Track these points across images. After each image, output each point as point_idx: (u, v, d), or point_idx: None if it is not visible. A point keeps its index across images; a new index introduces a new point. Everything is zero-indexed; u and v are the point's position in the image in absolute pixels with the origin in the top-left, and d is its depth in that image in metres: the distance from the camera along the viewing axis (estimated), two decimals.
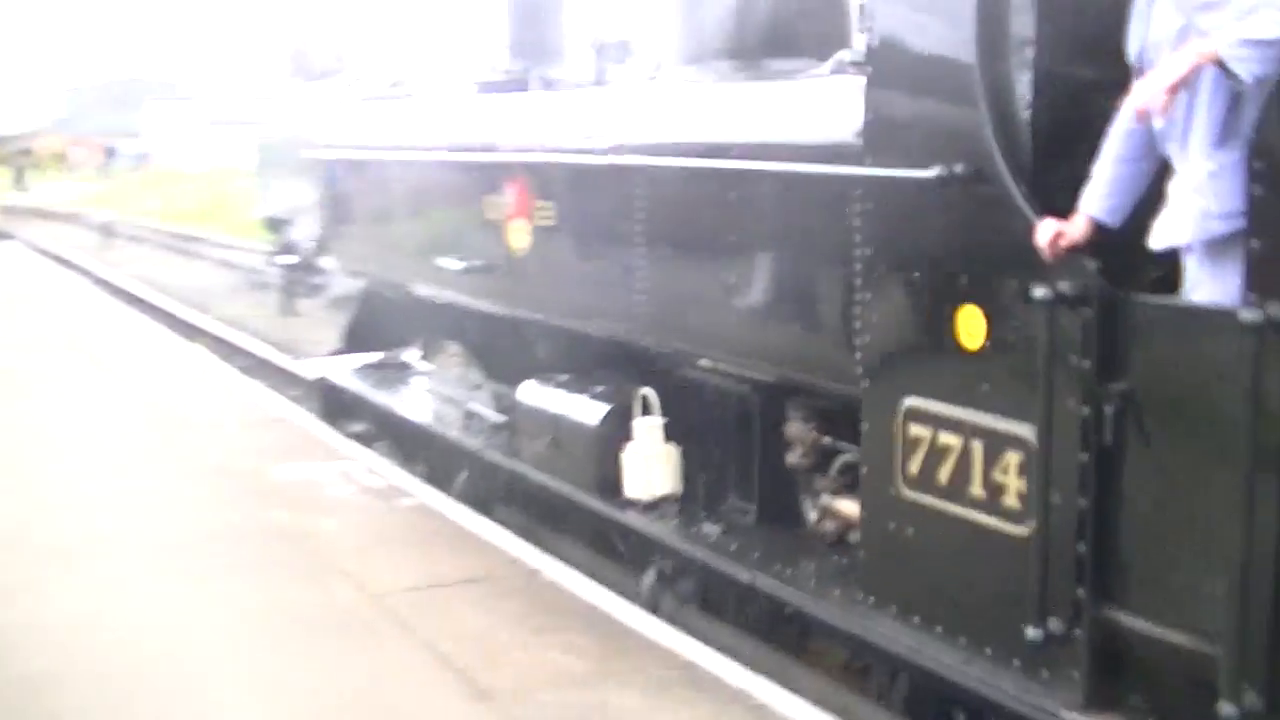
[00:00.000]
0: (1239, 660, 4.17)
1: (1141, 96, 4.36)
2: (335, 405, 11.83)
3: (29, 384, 13.45)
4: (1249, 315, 4.03)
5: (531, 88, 9.02)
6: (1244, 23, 4.12)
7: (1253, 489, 4.10)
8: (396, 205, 10.43)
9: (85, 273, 29.27)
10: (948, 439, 5.27)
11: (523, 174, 8.49)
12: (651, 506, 7.52)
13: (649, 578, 7.41)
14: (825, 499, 6.65)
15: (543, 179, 8.31)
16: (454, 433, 9.77)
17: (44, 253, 33.21)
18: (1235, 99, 4.31)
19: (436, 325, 10.80)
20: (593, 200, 7.87)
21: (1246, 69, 4.10)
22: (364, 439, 11.10)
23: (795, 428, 6.80)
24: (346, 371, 11.79)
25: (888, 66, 5.45)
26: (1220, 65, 4.18)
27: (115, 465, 10.14)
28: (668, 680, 6.23)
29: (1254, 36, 4.08)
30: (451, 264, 9.23)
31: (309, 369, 13.27)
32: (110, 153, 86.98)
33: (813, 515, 6.83)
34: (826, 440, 6.66)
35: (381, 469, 9.99)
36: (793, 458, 6.84)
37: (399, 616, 7.03)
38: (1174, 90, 4.25)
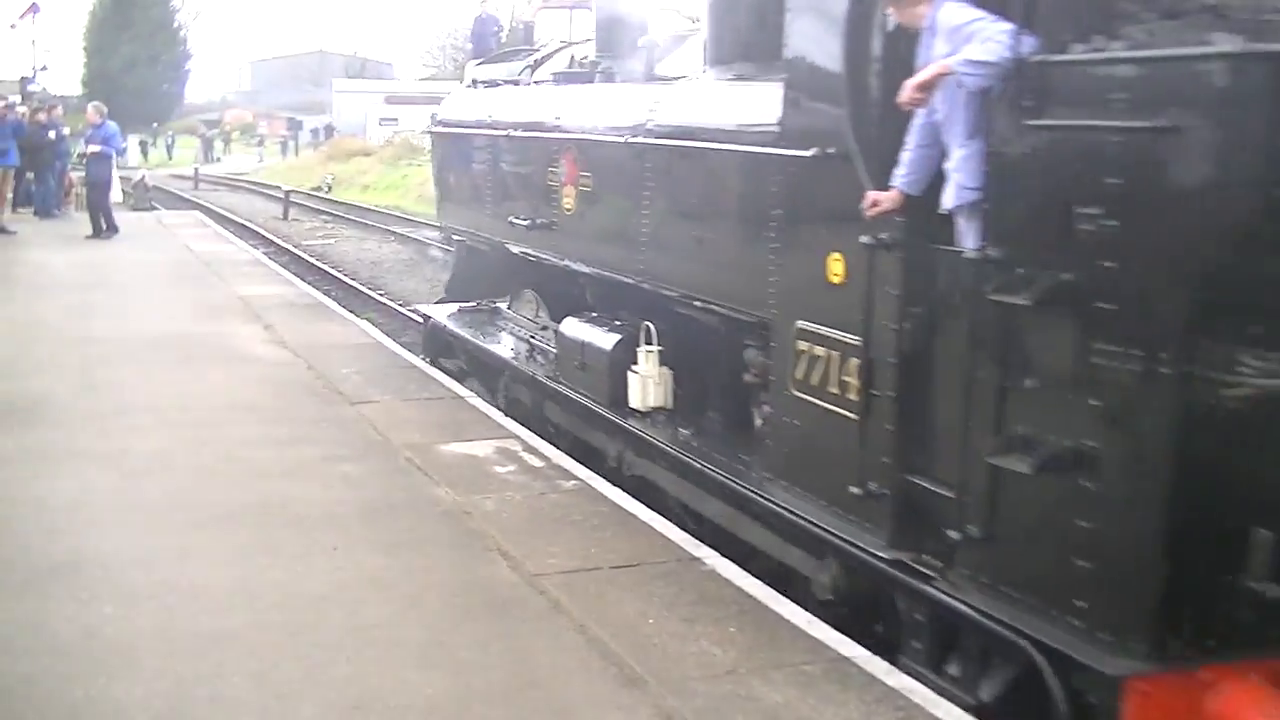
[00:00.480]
0: (962, 502, 6.11)
1: (902, 94, 6.11)
2: (439, 345, 14.03)
3: (207, 351, 13.81)
4: (973, 254, 5.97)
5: (595, 80, 11.18)
6: (971, 47, 5.75)
7: (972, 375, 6.00)
8: (483, 174, 12.81)
9: (266, 242, 30.05)
10: (819, 350, 7.20)
11: (571, 149, 10.65)
12: (647, 415, 9.40)
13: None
14: (765, 408, 8.11)
15: (583, 153, 10.47)
16: (520, 362, 11.74)
17: (228, 222, 34.14)
18: (981, 103, 5.91)
19: (516, 275, 12.83)
20: (611, 171, 10.03)
21: (971, 81, 5.81)
22: (458, 375, 13.12)
23: (750, 354, 8.40)
24: (447, 316, 13.82)
25: (795, 75, 7.36)
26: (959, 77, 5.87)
27: (283, 436, 10.34)
28: (816, 675, 6.18)
29: (974, 58, 5.73)
30: (522, 222, 11.50)
31: (420, 314, 15.42)
32: (295, 126, 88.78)
33: (758, 421, 8.34)
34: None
35: (543, 449, 10.04)
36: (748, 377, 8.46)
37: (553, 599, 7.05)
38: (920, 89, 6.03)
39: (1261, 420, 5.10)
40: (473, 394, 11.97)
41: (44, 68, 60.74)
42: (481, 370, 12.91)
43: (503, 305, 13.35)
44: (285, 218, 38.03)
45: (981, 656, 6.18)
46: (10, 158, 26.25)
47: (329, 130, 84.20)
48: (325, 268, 25.33)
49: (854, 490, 6.77)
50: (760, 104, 7.82)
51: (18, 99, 37.87)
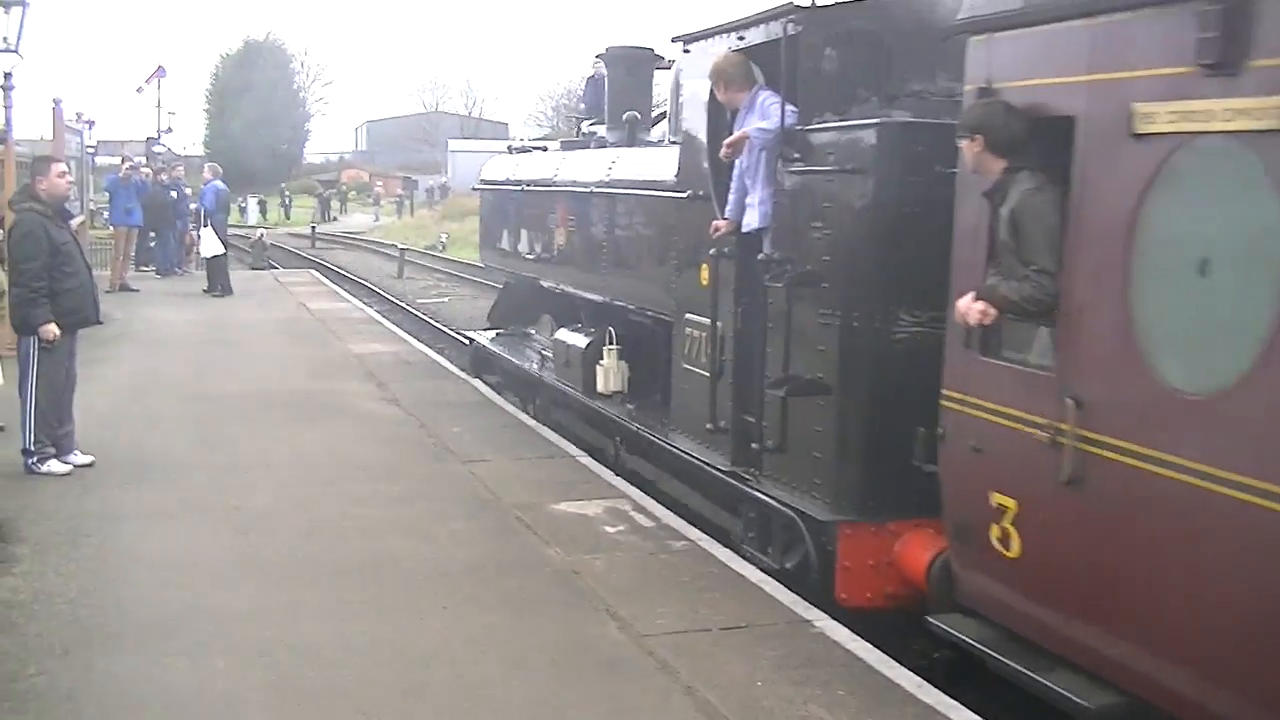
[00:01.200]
0: (761, 426, 8.90)
1: (721, 151, 9.03)
2: (481, 363, 16.89)
3: (321, 408, 13.98)
4: (763, 257, 8.69)
5: (590, 146, 14.43)
6: (757, 119, 8.74)
7: (763, 338, 8.91)
8: (511, 221, 15.99)
9: (380, 299, 30.38)
10: (695, 333, 10.00)
11: (561, 198, 13.87)
12: (609, 398, 12.04)
13: (615, 444, 12.13)
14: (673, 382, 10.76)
15: (567, 201, 13.67)
16: (535, 371, 14.44)
17: (344, 280, 34.58)
18: (768, 157, 8.70)
19: (537, 303, 15.59)
20: (583, 215, 13.15)
21: (758, 142, 8.66)
22: (498, 388, 15.82)
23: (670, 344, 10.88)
24: (488, 340, 16.63)
25: (683, 143, 10.57)
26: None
27: (395, 494, 10.41)
28: None
29: (760, 127, 8.61)
30: (530, 257, 15.04)
31: (467, 338, 18.96)
32: (410, 185, 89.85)
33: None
34: None
35: (654, 509, 10.00)
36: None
37: (661, 659, 6.99)
38: (729, 147, 8.87)
39: (917, 354, 7.60)
40: (583, 454, 11.99)
41: (168, 129, 62.29)
42: (513, 382, 15.75)
43: (532, 330, 16.03)
44: (400, 276, 38.45)
45: (786, 536, 8.62)
46: (134, 217, 26.87)
47: (444, 189, 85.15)
48: (439, 325, 25.53)
49: (709, 427, 9.55)
50: (669, 162, 10.81)
51: (142, 159, 38.76)
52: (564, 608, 7.85)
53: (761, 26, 9.04)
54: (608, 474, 11.21)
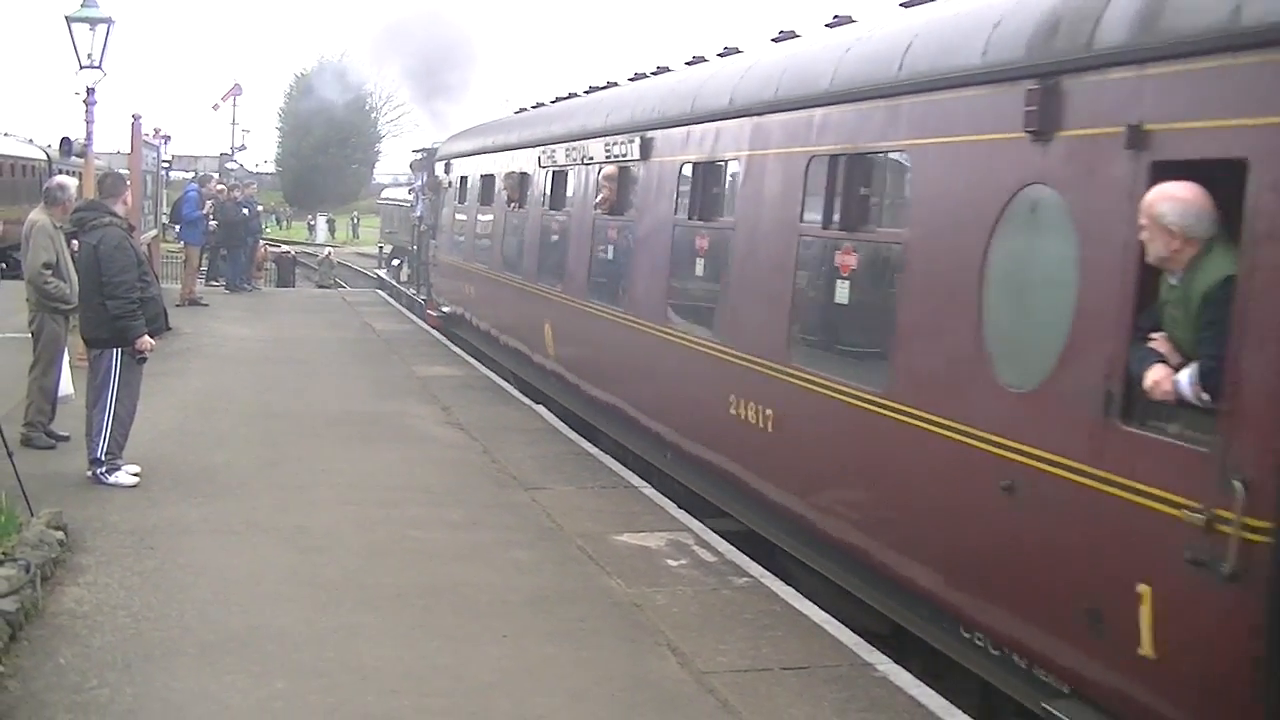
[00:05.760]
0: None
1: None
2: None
3: (384, 430, 14.01)
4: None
5: None
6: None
7: None
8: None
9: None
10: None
11: None
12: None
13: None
14: None
15: None
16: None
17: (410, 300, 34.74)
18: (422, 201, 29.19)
19: None
20: None
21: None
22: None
23: None
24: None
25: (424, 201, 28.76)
26: None
27: (457, 519, 10.40)
28: None
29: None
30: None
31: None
32: None
33: None
34: None
35: (717, 544, 9.93)
36: None
37: (722, 698, 6.91)
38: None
39: None
40: (646, 484, 11.91)
41: (243, 147, 62.99)
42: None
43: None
44: None
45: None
46: (201, 237, 27.14)
47: None
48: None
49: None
50: None
51: (216, 175, 39.14)
52: (625, 641, 7.79)
53: None
54: (670, 506, 11.15)
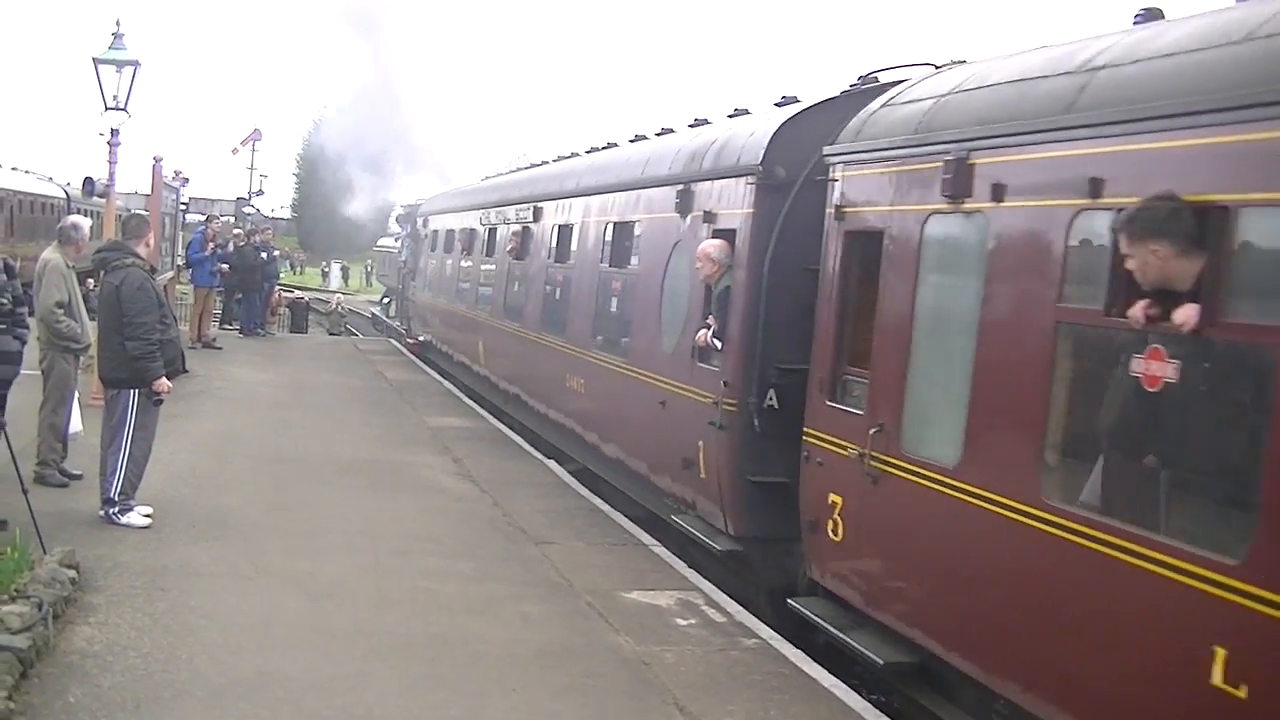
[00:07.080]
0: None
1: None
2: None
3: (395, 479, 14.04)
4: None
5: None
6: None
7: None
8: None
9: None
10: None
11: None
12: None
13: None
14: None
15: None
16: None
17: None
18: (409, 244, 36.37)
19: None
20: None
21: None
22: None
23: None
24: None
25: (408, 248, 35.92)
26: None
27: (466, 571, 10.40)
28: None
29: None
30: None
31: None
32: None
33: None
34: None
35: (726, 604, 9.93)
36: None
37: None
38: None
39: None
40: (657, 543, 11.93)
41: (260, 191, 63.31)
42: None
43: None
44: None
45: None
46: (209, 279, 27.14)
47: None
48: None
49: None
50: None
51: (231, 219, 39.29)
52: (632, 699, 7.78)
53: None
54: (680, 565, 11.16)
